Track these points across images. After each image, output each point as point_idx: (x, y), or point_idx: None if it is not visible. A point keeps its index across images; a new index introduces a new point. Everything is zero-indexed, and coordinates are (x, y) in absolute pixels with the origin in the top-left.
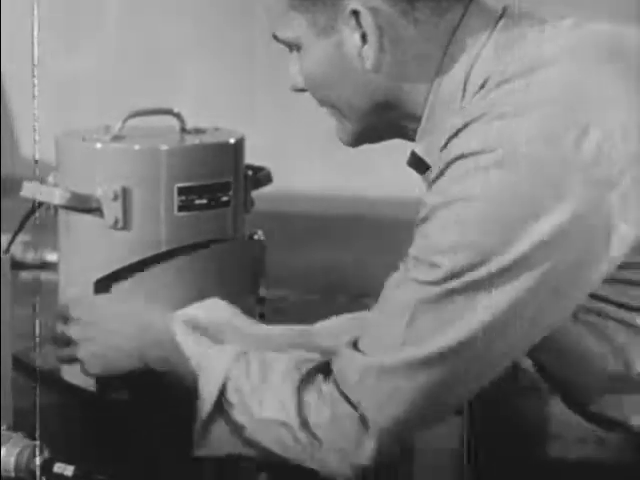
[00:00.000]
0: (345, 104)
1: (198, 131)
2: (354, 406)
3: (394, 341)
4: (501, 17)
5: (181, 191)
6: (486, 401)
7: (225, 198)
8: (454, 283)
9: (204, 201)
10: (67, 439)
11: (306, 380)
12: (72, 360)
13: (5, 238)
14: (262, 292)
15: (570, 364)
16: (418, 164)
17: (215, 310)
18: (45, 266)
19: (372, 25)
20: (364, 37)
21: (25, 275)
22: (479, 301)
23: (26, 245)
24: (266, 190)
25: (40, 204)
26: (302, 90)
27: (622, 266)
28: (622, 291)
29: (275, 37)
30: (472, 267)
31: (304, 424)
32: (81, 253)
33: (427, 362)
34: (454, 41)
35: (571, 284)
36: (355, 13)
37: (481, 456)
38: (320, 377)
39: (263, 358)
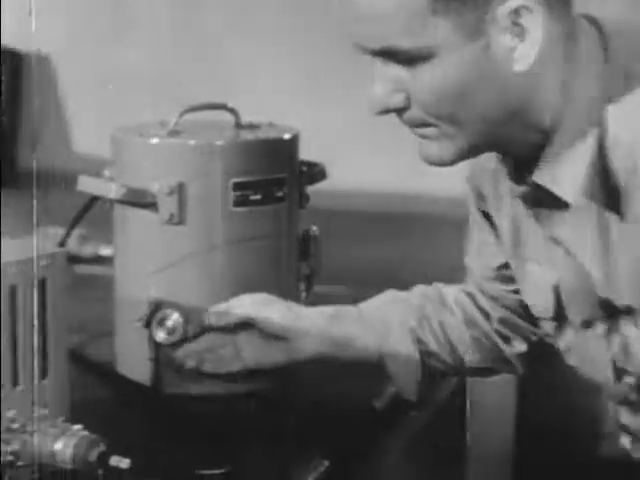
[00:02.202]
0: (474, 115)
1: (253, 126)
2: None
3: None
4: (600, 30)
5: (236, 186)
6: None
7: (280, 193)
8: None
9: (259, 196)
10: (123, 432)
11: None
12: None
13: (60, 231)
14: (317, 288)
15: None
16: (537, 194)
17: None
18: (100, 260)
19: (538, 21)
20: (517, 36)
21: (81, 269)
22: None
23: (82, 239)
24: (321, 186)
25: (96, 198)
26: (394, 111)
27: None
28: None
29: (388, 50)
30: None
31: None
32: (136, 247)
33: None
34: (575, 47)
35: None
36: (516, 11)
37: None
38: None
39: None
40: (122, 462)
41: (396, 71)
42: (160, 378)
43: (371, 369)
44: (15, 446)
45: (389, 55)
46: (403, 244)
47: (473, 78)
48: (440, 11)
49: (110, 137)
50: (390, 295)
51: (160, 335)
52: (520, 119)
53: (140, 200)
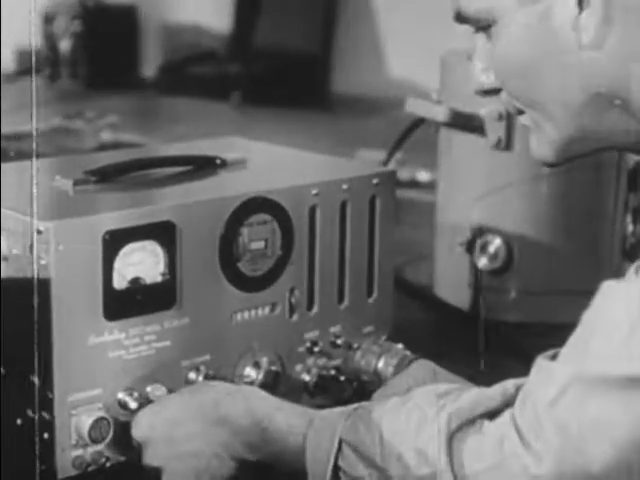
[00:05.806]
0: (551, 98)
1: None
2: (526, 442)
3: (607, 354)
4: None
5: None
6: None
7: None
8: None
9: None
10: (441, 355)
11: (462, 422)
12: None
13: (375, 155)
14: None
15: None
16: None
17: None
18: (416, 185)
19: None
20: (581, 2)
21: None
22: None
23: (399, 163)
24: None
25: (420, 121)
26: (491, 92)
27: None
28: None
29: (458, 15)
30: None
31: (461, 477)
32: (461, 172)
33: None
34: None
35: None
36: None
37: None
38: (480, 418)
39: (392, 405)
40: None
41: (483, 43)
42: (479, 304)
43: None
44: (338, 361)
45: (462, 21)
46: None
47: (532, 50)
48: None
49: (439, 61)
50: None
51: (482, 261)
52: (614, 106)
53: (467, 124)
